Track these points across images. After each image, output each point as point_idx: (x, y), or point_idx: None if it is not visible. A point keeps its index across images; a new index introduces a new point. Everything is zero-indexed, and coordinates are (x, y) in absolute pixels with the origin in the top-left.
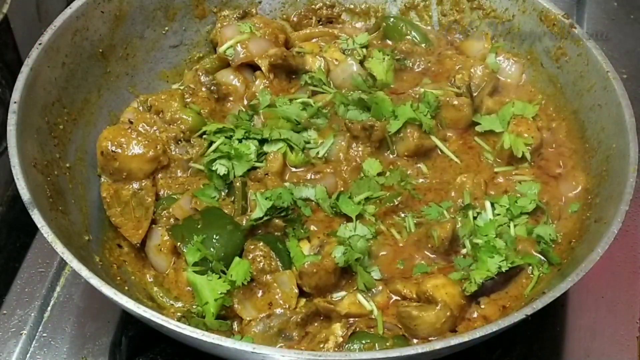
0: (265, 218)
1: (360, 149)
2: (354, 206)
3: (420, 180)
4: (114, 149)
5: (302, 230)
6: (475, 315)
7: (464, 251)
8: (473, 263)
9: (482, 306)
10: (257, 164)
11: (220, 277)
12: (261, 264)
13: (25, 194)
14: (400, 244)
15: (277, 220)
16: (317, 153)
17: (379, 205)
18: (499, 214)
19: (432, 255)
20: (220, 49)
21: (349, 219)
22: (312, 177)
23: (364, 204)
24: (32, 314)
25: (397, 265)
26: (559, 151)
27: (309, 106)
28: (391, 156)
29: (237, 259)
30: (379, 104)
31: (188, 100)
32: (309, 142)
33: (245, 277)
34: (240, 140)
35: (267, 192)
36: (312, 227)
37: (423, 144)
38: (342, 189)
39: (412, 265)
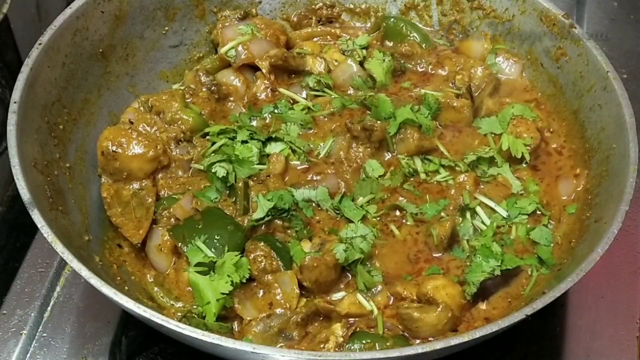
0: (266, 218)
1: (360, 150)
2: (356, 210)
3: (422, 176)
4: (114, 149)
5: (304, 232)
6: (476, 315)
7: (462, 247)
8: (468, 259)
9: (484, 307)
10: (259, 166)
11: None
12: (262, 263)
13: (25, 194)
14: (400, 240)
15: (278, 221)
16: (318, 154)
17: (382, 206)
18: (501, 216)
19: (436, 255)
20: (222, 50)
21: (351, 221)
22: (314, 178)
23: (367, 206)
24: (32, 314)
25: (404, 277)
26: (558, 151)
27: (310, 110)
28: (389, 155)
29: (234, 257)
30: (379, 106)
31: (189, 100)
32: (311, 144)
33: (244, 274)
34: (243, 142)
35: (268, 194)
36: (314, 227)
37: (423, 145)
38: (344, 190)
39: (418, 269)
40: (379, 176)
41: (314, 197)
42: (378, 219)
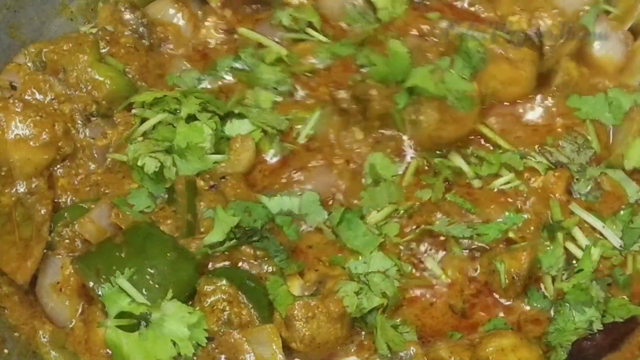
0: (227, 243)
1: (358, 134)
2: (369, 236)
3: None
4: None
5: (291, 262)
6: None
7: (544, 291)
8: (553, 308)
9: None
10: (216, 157)
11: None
12: (225, 313)
13: None
14: (444, 283)
15: (246, 248)
16: (297, 136)
17: (409, 223)
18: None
19: (503, 301)
20: None
21: None
22: (293, 177)
23: (384, 225)
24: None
25: (450, 335)
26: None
27: (286, 64)
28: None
29: (182, 308)
30: (389, 57)
31: (104, 51)
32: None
33: (199, 335)
34: (191, 119)
35: (230, 205)
36: (305, 256)
37: (444, 133)
38: (341, 196)
39: (472, 323)
40: (393, 176)
41: (296, 207)
42: (405, 246)
